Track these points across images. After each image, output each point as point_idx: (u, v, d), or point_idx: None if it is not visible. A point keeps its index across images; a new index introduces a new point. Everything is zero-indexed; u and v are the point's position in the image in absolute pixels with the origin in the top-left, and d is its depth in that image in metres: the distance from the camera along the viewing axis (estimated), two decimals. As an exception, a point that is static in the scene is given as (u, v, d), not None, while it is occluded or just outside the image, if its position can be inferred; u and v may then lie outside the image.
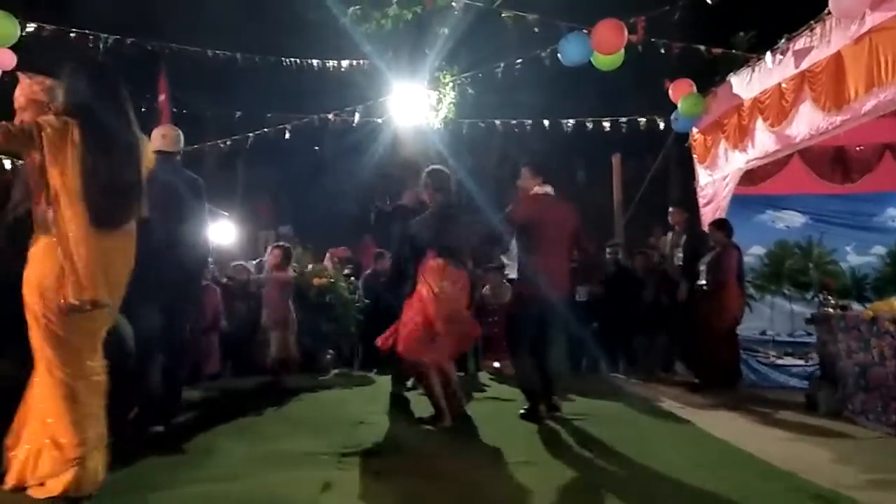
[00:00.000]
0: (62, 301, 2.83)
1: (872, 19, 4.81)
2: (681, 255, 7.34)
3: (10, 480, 2.91)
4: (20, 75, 3.76)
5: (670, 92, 7.62)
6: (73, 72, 3.14)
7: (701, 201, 7.82)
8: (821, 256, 7.35)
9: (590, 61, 7.11)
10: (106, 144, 2.98)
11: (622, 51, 6.97)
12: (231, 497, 3.06)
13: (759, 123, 6.40)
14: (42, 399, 2.92)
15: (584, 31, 6.97)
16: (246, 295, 7.68)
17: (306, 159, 15.53)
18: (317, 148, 15.38)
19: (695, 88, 7.51)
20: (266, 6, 12.49)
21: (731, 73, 7.02)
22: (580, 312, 6.85)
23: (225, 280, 7.89)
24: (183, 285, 4.62)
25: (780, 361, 7.08)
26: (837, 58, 5.21)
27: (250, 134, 9.90)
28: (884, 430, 4.51)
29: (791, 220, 7.64)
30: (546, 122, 9.56)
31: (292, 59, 8.97)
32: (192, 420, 4.77)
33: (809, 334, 6.56)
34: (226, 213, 11.74)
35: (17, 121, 3.27)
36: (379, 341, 4.87)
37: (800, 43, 5.79)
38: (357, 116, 9.68)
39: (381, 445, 4.19)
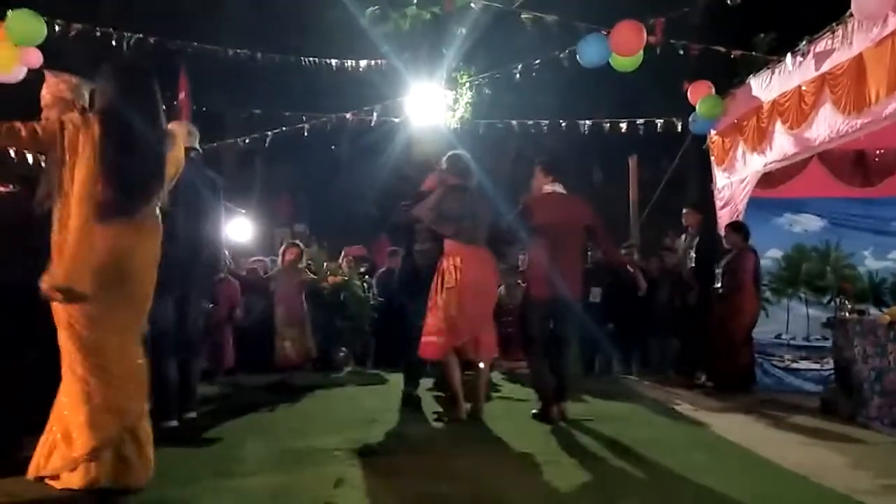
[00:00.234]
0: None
1: (895, 21, 4.77)
2: (694, 256, 7.31)
3: (31, 471, 2.98)
4: (47, 73, 3.84)
5: (689, 94, 7.59)
6: (106, 71, 3.19)
7: (718, 204, 7.78)
8: (838, 260, 7.29)
9: (608, 63, 7.10)
10: (123, 139, 3.02)
11: (641, 52, 6.95)
12: (244, 492, 3.09)
13: (779, 126, 6.35)
14: (64, 393, 2.98)
15: (603, 32, 6.96)
16: (262, 289, 7.73)
17: (324, 158, 15.63)
18: (333, 147, 15.49)
19: (713, 90, 7.47)
20: (285, 6, 12.60)
21: (751, 75, 6.98)
22: (593, 314, 6.84)
23: (244, 273, 7.97)
24: (198, 281, 4.70)
25: (795, 365, 7.04)
26: (859, 60, 5.15)
27: (269, 132, 9.99)
28: (900, 436, 4.49)
29: (809, 224, 7.57)
30: (563, 123, 9.55)
31: (311, 59, 9.03)
32: (206, 415, 4.80)
33: (825, 338, 6.50)
34: (243, 211, 11.85)
35: (43, 118, 3.34)
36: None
37: (821, 45, 5.74)
38: (375, 116, 9.73)
39: (393, 443, 4.22)
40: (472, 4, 8.44)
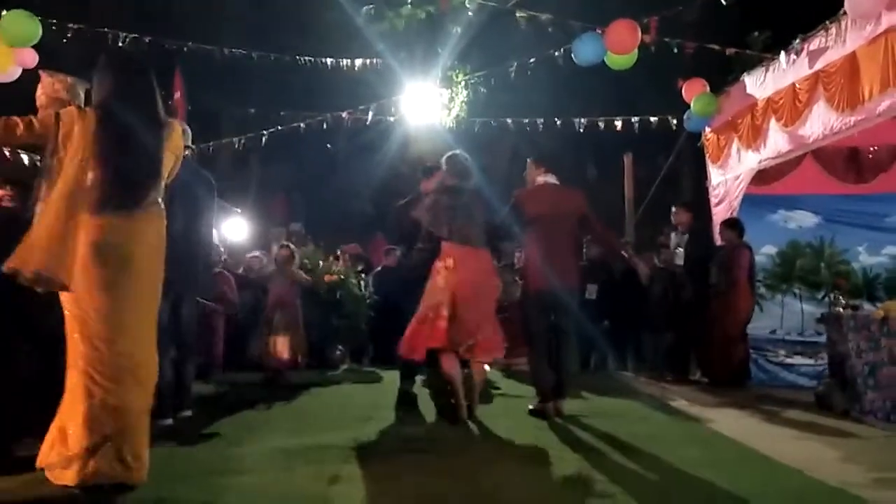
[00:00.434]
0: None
1: (888, 19, 4.79)
2: (683, 254, 7.33)
3: (39, 461, 2.98)
4: (42, 73, 3.84)
5: (683, 91, 7.62)
6: (102, 65, 3.19)
7: (713, 201, 7.81)
8: (832, 256, 7.32)
9: (603, 61, 7.12)
10: (120, 133, 3.02)
11: (636, 51, 6.97)
12: (239, 490, 3.09)
13: (773, 123, 6.38)
14: (68, 388, 2.96)
15: (598, 30, 6.98)
16: (257, 287, 7.72)
17: (319, 157, 15.61)
18: (329, 146, 15.46)
19: (708, 88, 7.50)
20: (281, 5, 12.59)
21: (745, 73, 7.01)
22: (589, 310, 6.85)
23: (241, 270, 7.97)
24: (193, 281, 4.70)
25: (789, 361, 7.07)
26: (852, 58, 5.19)
27: (264, 132, 9.99)
28: (892, 430, 4.52)
29: (803, 220, 7.60)
30: (558, 122, 9.57)
31: (307, 58, 9.03)
32: (202, 413, 4.80)
33: (819, 334, 6.53)
34: (238, 210, 11.84)
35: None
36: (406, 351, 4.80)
37: (814, 43, 5.78)
38: (370, 115, 9.73)
39: (389, 440, 4.23)
40: (468, 3, 8.45)
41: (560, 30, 7.51)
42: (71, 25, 7.57)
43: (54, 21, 7.33)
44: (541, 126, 9.73)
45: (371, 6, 11.79)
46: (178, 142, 3.31)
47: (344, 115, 9.82)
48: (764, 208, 7.55)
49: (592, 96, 11.84)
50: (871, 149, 7.26)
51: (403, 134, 11.40)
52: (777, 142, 6.41)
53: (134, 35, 8.04)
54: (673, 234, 7.63)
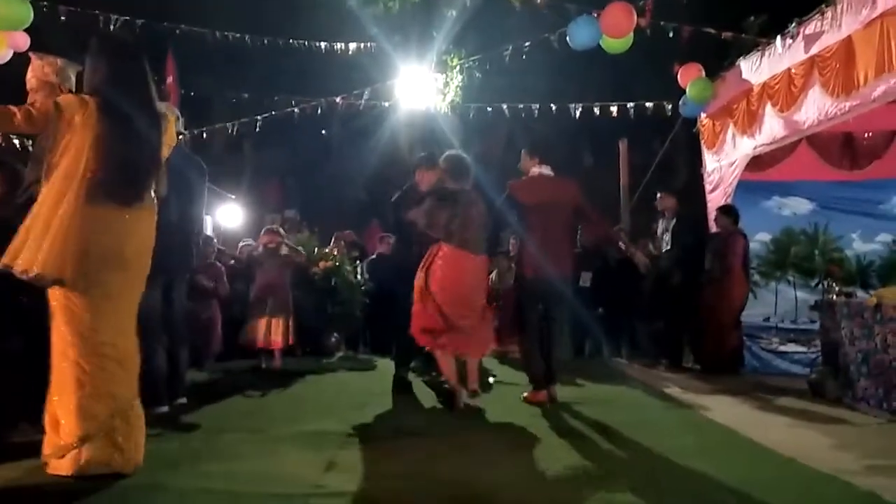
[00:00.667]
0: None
1: (884, 3, 4.77)
2: (668, 239, 7.30)
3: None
4: (32, 56, 3.79)
5: (679, 77, 7.58)
6: (95, 49, 3.14)
7: (707, 187, 7.80)
8: (826, 243, 7.35)
9: (598, 45, 7.07)
10: (124, 125, 3.00)
11: (631, 34, 6.93)
12: (235, 477, 3.08)
13: (768, 109, 6.37)
14: (54, 378, 2.95)
15: (594, 14, 6.93)
16: (248, 276, 7.66)
17: (313, 142, 15.53)
18: (323, 132, 15.38)
19: (704, 73, 7.46)
20: (273, -12, 12.44)
21: (741, 58, 6.97)
22: (583, 298, 6.85)
23: (232, 262, 7.92)
24: (185, 267, 4.68)
25: (782, 348, 7.10)
26: (848, 43, 5.17)
27: (258, 117, 9.91)
28: (885, 417, 4.54)
29: (797, 207, 7.61)
30: (553, 107, 9.52)
31: (300, 42, 8.95)
32: (196, 401, 4.79)
33: (813, 321, 6.56)
34: (232, 196, 11.79)
35: (28, 101, 3.29)
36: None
37: (810, 27, 5.75)
38: (364, 100, 9.66)
39: (384, 427, 4.24)
40: (462, -14, 8.38)
41: (555, 13, 7.47)
42: (63, 8, 7.48)
43: (45, 3, 7.24)
44: (536, 112, 9.69)
45: (365, -11, 11.68)
46: (172, 132, 3.31)
47: (338, 100, 9.76)
48: (758, 195, 7.55)
49: (588, 80, 11.77)
50: (866, 135, 7.26)
51: (398, 119, 11.33)
52: (772, 127, 6.39)
53: (125, 18, 7.95)
54: (661, 221, 7.60)
